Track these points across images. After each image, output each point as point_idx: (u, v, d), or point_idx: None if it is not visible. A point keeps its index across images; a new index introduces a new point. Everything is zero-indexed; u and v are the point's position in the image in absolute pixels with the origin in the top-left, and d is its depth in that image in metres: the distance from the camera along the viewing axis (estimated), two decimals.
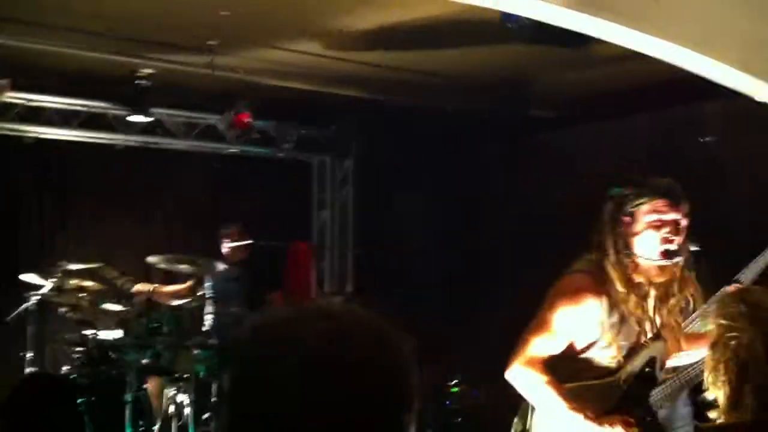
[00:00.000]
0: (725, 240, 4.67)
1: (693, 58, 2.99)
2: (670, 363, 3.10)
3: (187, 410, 5.54)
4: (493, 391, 3.24)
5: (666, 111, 6.42)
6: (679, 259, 3.07)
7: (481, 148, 7.94)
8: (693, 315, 3.16)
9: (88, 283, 6.09)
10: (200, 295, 6.33)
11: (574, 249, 3.23)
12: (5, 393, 3.06)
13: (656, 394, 3.11)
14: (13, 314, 5.96)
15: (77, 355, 5.78)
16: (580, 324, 3.07)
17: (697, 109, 6.27)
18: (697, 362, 3.00)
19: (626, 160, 6.33)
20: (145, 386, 5.71)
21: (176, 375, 5.66)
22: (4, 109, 6.77)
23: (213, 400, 5.60)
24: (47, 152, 7.25)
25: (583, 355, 3.10)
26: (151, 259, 6.21)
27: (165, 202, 7.96)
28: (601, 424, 2.97)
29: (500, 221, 7.74)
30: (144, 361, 5.63)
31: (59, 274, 5.98)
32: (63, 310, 6.05)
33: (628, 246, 3.07)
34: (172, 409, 5.67)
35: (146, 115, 7.00)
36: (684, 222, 3.10)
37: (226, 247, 6.60)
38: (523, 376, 3.07)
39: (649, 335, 3.08)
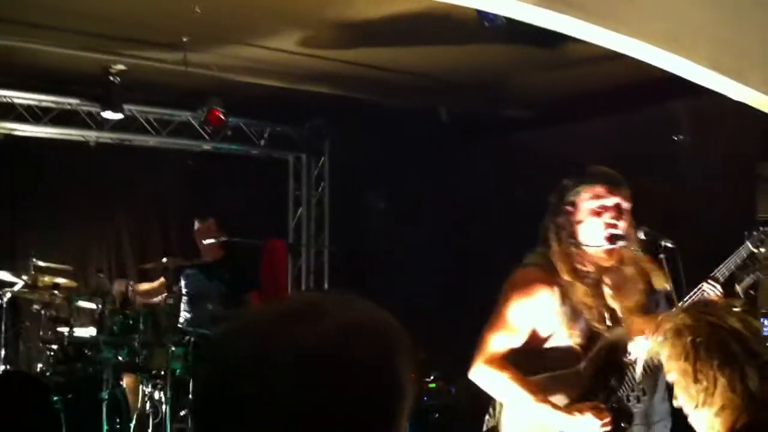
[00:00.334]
0: (701, 236, 4.74)
1: (662, 56, 3.03)
2: (633, 347, 3.04)
3: (163, 407, 5.54)
4: (469, 388, 3.23)
5: (641, 110, 6.48)
6: (623, 243, 3.06)
7: (458, 146, 7.98)
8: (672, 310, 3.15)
9: (62, 280, 6.06)
10: (176, 293, 6.33)
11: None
12: None
13: (627, 381, 3.06)
14: None
15: (52, 353, 5.76)
16: (535, 316, 3.06)
17: (672, 108, 6.33)
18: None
19: (602, 159, 6.37)
20: (121, 384, 5.70)
21: (152, 372, 5.64)
22: None
23: (190, 397, 5.59)
24: (19, 149, 7.18)
25: (546, 346, 3.08)
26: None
27: (138, 199, 7.93)
28: (570, 413, 2.95)
29: (476, 219, 7.79)
30: (120, 359, 5.63)
31: (32, 272, 5.95)
32: (36, 307, 6.02)
33: (573, 235, 3.08)
34: (148, 406, 5.66)
35: (119, 111, 6.96)
36: (626, 205, 3.10)
37: (201, 244, 6.59)
38: (485, 375, 3.06)
39: (608, 322, 3.04)
